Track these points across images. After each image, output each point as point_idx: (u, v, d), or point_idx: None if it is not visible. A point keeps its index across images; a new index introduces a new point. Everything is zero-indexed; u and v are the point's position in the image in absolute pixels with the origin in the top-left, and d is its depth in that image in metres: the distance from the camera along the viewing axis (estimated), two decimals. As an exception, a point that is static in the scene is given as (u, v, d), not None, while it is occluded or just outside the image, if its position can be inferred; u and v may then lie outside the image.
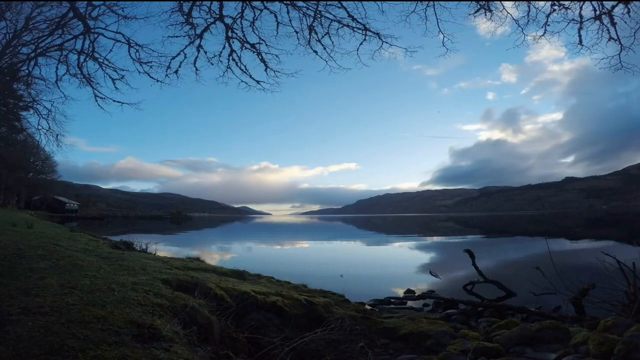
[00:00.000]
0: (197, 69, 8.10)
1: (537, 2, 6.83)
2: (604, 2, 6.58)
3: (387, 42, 7.22)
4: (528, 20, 6.98)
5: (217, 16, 7.40)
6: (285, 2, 7.15)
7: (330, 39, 7.38)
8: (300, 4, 7.11)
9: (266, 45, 7.72)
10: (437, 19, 6.99)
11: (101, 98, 9.24)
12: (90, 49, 8.58)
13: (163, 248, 11.85)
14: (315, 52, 7.57)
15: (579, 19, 6.83)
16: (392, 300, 7.24)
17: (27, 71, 9.64)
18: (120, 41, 8.29)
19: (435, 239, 26.64)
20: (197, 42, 7.67)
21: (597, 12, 6.68)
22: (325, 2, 6.98)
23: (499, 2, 6.89)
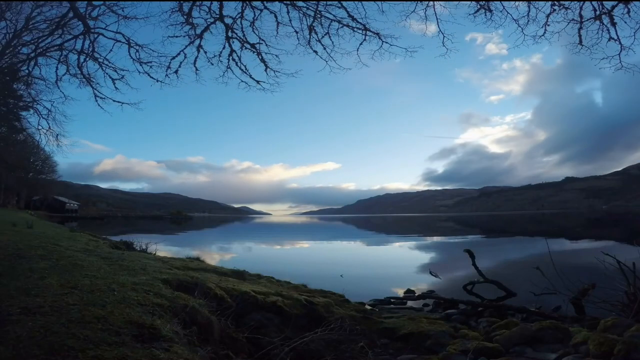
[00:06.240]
0: (197, 69, 8.09)
1: (537, 2, 6.83)
2: (604, 2, 6.58)
3: (387, 42, 7.22)
4: (528, 20, 6.98)
5: (217, 16, 7.39)
6: (285, 2, 7.14)
7: (330, 39, 7.38)
8: (300, 4, 7.11)
9: (266, 45, 7.72)
10: (437, 19, 7.00)
11: (101, 98, 9.25)
12: (90, 49, 8.58)
13: (163, 248, 11.85)
14: (315, 52, 7.57)
15: (579, 19, 6.83)
16: (392, 300, 7.24)
17: (27, 71, 9.65)
18: (120, 41, 8.29)
19: (435, 239, 26.63)
20: (197, 42, 7.67)
21: (597, 12, 6.68)
22: (325, 2, 6.97)
23: (499, 2, 6.89)
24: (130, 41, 8.26)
